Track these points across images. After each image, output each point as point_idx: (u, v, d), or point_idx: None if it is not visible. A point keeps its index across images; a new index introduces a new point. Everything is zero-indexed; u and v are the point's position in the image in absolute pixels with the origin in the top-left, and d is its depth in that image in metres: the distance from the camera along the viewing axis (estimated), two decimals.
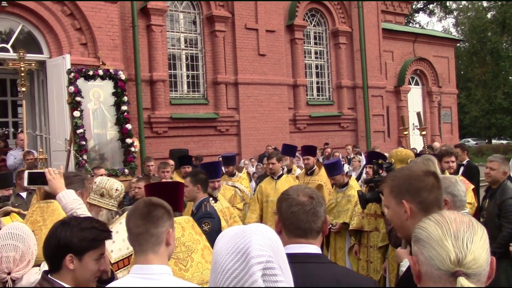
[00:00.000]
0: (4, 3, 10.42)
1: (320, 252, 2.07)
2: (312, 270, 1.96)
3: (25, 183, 3.39)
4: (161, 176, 7.43)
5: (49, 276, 2.16)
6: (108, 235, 2.27)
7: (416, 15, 39.97)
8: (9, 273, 2.45)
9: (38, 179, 3.12)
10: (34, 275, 2.55)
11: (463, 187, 2.92)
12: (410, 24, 34.90)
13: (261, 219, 6.94)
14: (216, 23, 14.06)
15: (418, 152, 8.07)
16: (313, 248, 2.03)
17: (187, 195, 4.64)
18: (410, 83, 20.13)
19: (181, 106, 13.65)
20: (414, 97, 20.21)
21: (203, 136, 13.90)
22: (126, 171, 9.02)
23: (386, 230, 4.17)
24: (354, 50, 17.23)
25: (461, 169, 7.55)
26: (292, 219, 2.02)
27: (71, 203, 3.00)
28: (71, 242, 2.12)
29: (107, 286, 2.13)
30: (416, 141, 17.19)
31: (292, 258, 1.66)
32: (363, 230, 5.89)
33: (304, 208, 2.02)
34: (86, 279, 2.19)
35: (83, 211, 3.03)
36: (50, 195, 3.42)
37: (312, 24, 16.78)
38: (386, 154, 9.19)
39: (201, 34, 14.25)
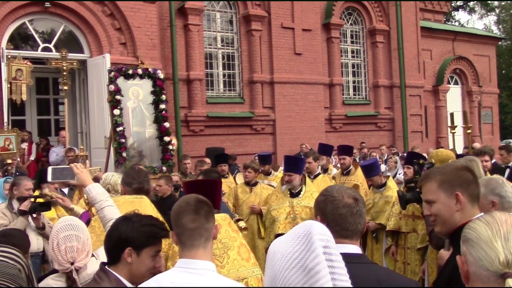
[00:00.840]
0: (47, 4, 10.72)
1: (361, 252, 2.07)
2: (354, 270, 1.94)
3: (49, 178, 3.49)
4: (197, 174, 7.50)
5: (106, 267, 2.24)
6: (166, 233, 2.35)
7: (456, 13, 39.03)
8: (72, 263, 2.53)
9: (62, 174, 3.21)
10: (96, 263, 2.63)
11: (510, 188, 2.85)
12: (450, 22, 34.13)
13: None
14: (253, 22, 14.10)
15: (460, 153, 7.89)
16: (354, 248, 2.04)
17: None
18: (449, 83, 19.71)
19: (217, 105, 13.75)
20: (453, 97, 19.77)
21: (238, 135, 13.97)
22: (164, 168, 9.13)
23: (427, 231, 4.10)
24: (391, 49, 17.00)
25: (507, 171, 7.33)
26: (339, 220, 2.02)
27: (100, 195, 3.14)
28: (131, 236, 2.22)
29: (155, 276, 2.18)
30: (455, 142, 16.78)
31: None
32: (400, 231, 5.82)
33: (351, 210, 2.03)
34: (141, 274, 2.26)
35: (110, 203, 3.16)
36: (140, 191, 3.59)
37: (349, 23, 16.63)
38: (424, 155, 9.06)
39: (238, 33, 14.32)
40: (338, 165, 8.28)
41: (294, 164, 6.00)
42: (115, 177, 4.01)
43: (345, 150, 7.79)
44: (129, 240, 2.21)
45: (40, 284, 2.60)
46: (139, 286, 2.16)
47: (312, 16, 15.15)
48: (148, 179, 3.91)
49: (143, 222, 2.28)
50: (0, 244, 2.46)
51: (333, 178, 7.56)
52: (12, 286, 2.20)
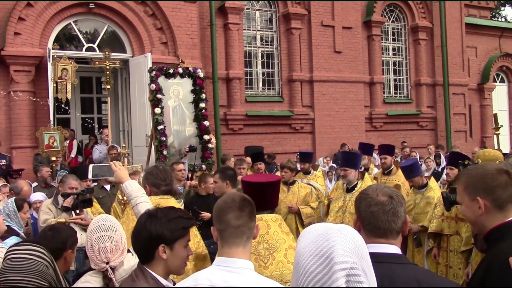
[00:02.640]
0: (91, 5, 10.99)
1: (400, 252, 2.03)
2: (392, 270, 1.92)
3: (89, 176, 3.62)
4: (237, 172, 7.52)
5: (143, 266, 2.25)
6: (194, 222, 2.38)
7: (503, 8, 37.82)
8: (107, 263, 2.58)
9: (102, 171, 3.33)
10: (132, 258, 2.68)
11: None
12: (496, 19, 33.11)
13: None
14: (292, 20, 14.05)
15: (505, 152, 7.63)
16: (393, 248, 1.99)
17: (216, 190, 4.83)
18: (495, 81, 19.09)
19: (256, 104, 13.76)
20: (499, 96, 19.15)
21: (277, 133, 13.95)
22: (204, 167, 9.22)
23: (473, 233, 4.00)
24: (434, 46, 16.61)
25: None
26: (371, 219, 2.00)
27: (136, 191, 3.23)
28: (162, 233, 2.21)
29: (193, 274, 2.19)
30: (501, 142, 16.30)
31: (372, 258, 1.63)
32: (442, 234, 5.68)
33: (384, 208, 1.99)
34: (177, 266, 2.29)
35: (145, 199, 3.23)
36: (169, 192, 3.67)
37: (391, 20, 16.34)
38: (468, 155, 8.80)
39: (277, 32, 14.29)
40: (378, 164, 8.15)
41: (350, 159, 6.10)
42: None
43: (387, 149, 7.68)
44: (160, 237, 2.21)
45: (80, 280, 2.66)
46: (177, 286, 2.18)
47: (352, 13, 14.97)
48: (173, 178, 3.96)
49: (170, 216, 2.27)
50: (29, 242, 2.54)
51: (375, 178, 7.44)
52: (43, 283, 2.27)
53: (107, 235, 2.62)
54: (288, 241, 3.19)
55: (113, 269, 2.55)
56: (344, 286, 1.41)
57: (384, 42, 16.15)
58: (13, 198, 5.03)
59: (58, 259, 2.81)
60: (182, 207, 3.73)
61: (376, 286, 1.53)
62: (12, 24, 10.19)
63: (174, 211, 2.34)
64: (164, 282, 2.24)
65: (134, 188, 3.25)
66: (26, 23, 10.36)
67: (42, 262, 2.31)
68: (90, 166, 3.70)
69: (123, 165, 3.39)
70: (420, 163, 8.33)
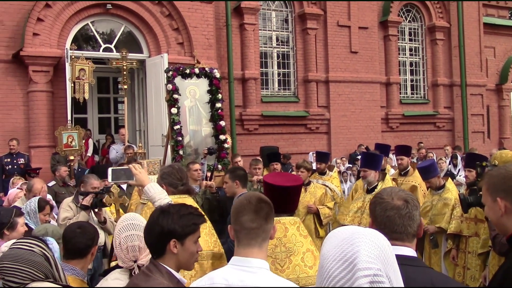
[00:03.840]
0: (108, 6, 11.09)
1: (416, 255, 2.03)
2: (407, 273, 1.90)
3: (109, 179, 3.64)
4: (252, 172, 7.52)
5: (156, 261, 2.30)
6: (204, 219, 2.42)
7: None
8: (135, 261, 2.61)
9: (122, 175, 3.34)
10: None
11: None
12: None
13: None
14: (308, 20, 14.03)
15: None
16: (408, 250, 2.00)
17: (227, 190, 4.80)
18: None
19: (272, 104, 13.76)
20: None
21: (293, 134, 13.93)
22: (219, 166, 9.23)
23: (490, 236, 3.96)
24: (452, 46, 16.45)
25: None
26: (387, 223, 2.00)
27: (159, 193, 3.29)
28: (173, 228, 2.27)
29: (209, 273, 2.22)
30: None
31: None
32: (461, 235, 5.62)
33: (399, 212, 2.00)
34: (187, 261, 2.33)
35: (169, 200, 3.28)
36: (187, 192, 3.69)
37: (407, 20, 16.23)
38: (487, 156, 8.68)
39: (293, 32, 14.28)
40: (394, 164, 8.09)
41: (369, 160, 6.06)
42: None
43: (403, 150, 7.62)
44: (172, 232, 2.26)
45: (109, 277, 2.70)
46: (193, 286, 2.20)
47: (369, 13, 14.90)
48: (188, 178, 3.97)
49: (181, 213, 2.32)
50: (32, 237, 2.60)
51: (393, 179, 7.37)
52: (37, 274, 2.33)
53: (136, 234, 2.66)
54: (306, 244, 3.13)
55: (139, 268, 2.59)
56: None
57: (401, 42, 16.05)
58: (37, 198, 5.09)
59: (87, 255, 2.93)
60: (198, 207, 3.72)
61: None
62: (31, 25, 10.32)
63: (186, 207, 2.39)
64: (177, 275, 2.28)
65: (156, 191, 3.29)
66: (44, 23, 10.50)
67: (40, 255, 2.37)
68: (110, 170, 3.70)
69: (143, 168, 3.42)
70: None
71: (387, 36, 15.36)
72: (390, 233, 1.98)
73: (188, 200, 3.62)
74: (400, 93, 15.86)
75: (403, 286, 1.53)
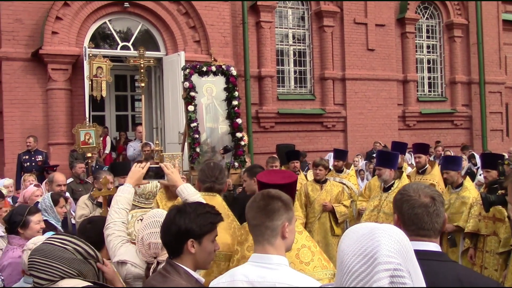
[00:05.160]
0: (126, 4, 11.16)
1: (441, 250, 2.02)
2: (433, 267, 1.92)
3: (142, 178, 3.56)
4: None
5: (173, 261, 2.28)
6: (221, 218, 2.38)
7: None
8: (155, 258, 2.63)
9: (154, 173, 3.23)
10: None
11: None
12: None
13: None
14: (325, 18, 13.97)
15: None
16: (433, 246, 1.99)
17: (246, 188, 4.76)
18: None
19: (288, 102, 13.74)
20: None
21: (309, 131, 13.90)
22: (236, 164, 9.25)
23: None
24: (470, 44, 16.26)
25: None
26: (415, 220, 1.99)
27: (192, 195, 3.14)
28: (191, 227, 2.24)
29: (230, 270, 2.23)
30: None
31: None
32: (479, 234, 5.56)
33: (428, 210, 1.98)
34: (205, 260, 2.31)
35: (203, 200, 3.16)
36: (211, 189, 3.60)
37: (425, 17, 16.07)
38: (505, 155, 8.57)
39: (309, 30, 14.23)
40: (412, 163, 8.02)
41: (384, 158, 5.98)
42: None
43: (421, 148, 7.55)
44: (189, 231, 2.23)
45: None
46: (213, 286, 2.20)
47: (385, 11, 14.79)
48: (223, 176, 3.80)
49: (198, 212, 2.29)
50: (66, 234, 2.60)
51: (408, 177, 7.32)
52: (68, 270, 2.31)
53: (159, 232, 2.66)
54: (300, 240, 3.02)
55: (158, 264, 2.59)
56: (388, 286, 1.39)
57: (418, 40, 15.90)
58: (49, 193, 5.14)
59: (102, 248, 2.88)
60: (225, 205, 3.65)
61: (423, 283, 1.51)
62: (50, 23, 10.44)
63: (203, 206, 2.37)
64: (195, 275, 2.26)
65: (190, 192, 3.16)
66: (63, 22, 10.60)
67: (71, 252, 2.34)
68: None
69: (174, 167, 3.32)
70: None
71: (404, 33, 15.24)
72: (417, 230, 1.99)
73: (216, 199, 3.56)
74: (418, 91, 15.73)
75: (423, 281, 1.51)
